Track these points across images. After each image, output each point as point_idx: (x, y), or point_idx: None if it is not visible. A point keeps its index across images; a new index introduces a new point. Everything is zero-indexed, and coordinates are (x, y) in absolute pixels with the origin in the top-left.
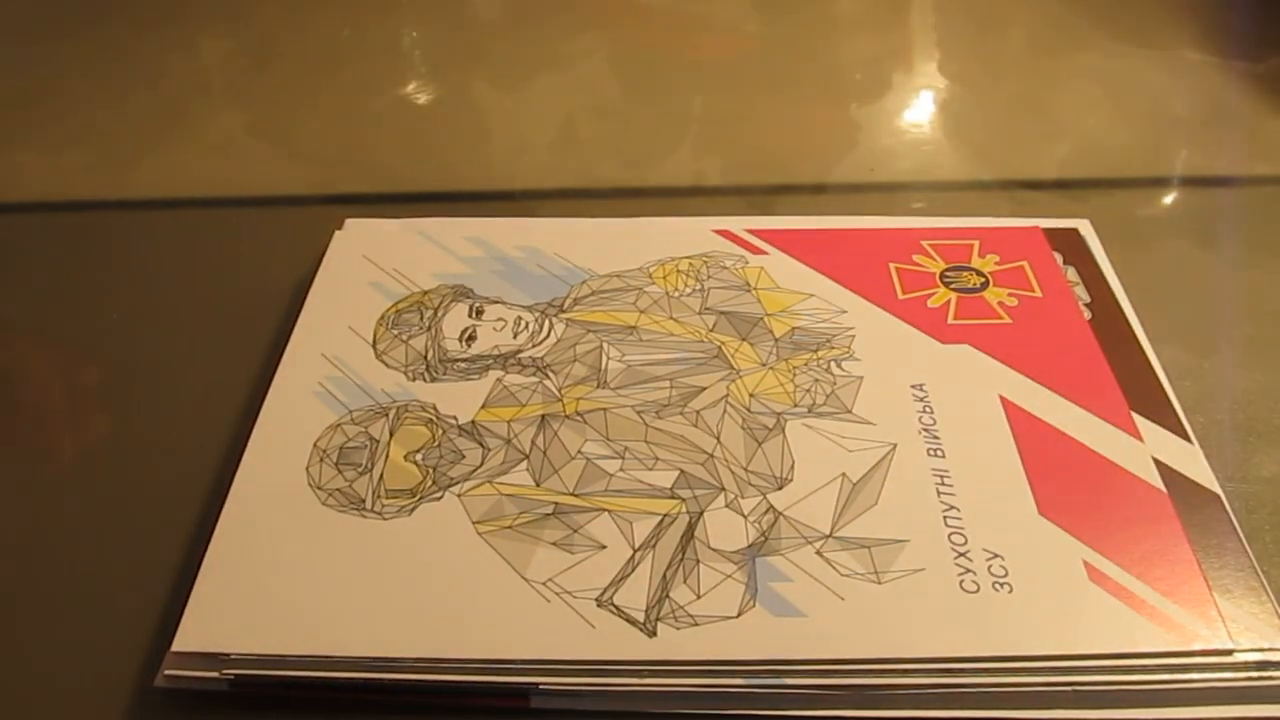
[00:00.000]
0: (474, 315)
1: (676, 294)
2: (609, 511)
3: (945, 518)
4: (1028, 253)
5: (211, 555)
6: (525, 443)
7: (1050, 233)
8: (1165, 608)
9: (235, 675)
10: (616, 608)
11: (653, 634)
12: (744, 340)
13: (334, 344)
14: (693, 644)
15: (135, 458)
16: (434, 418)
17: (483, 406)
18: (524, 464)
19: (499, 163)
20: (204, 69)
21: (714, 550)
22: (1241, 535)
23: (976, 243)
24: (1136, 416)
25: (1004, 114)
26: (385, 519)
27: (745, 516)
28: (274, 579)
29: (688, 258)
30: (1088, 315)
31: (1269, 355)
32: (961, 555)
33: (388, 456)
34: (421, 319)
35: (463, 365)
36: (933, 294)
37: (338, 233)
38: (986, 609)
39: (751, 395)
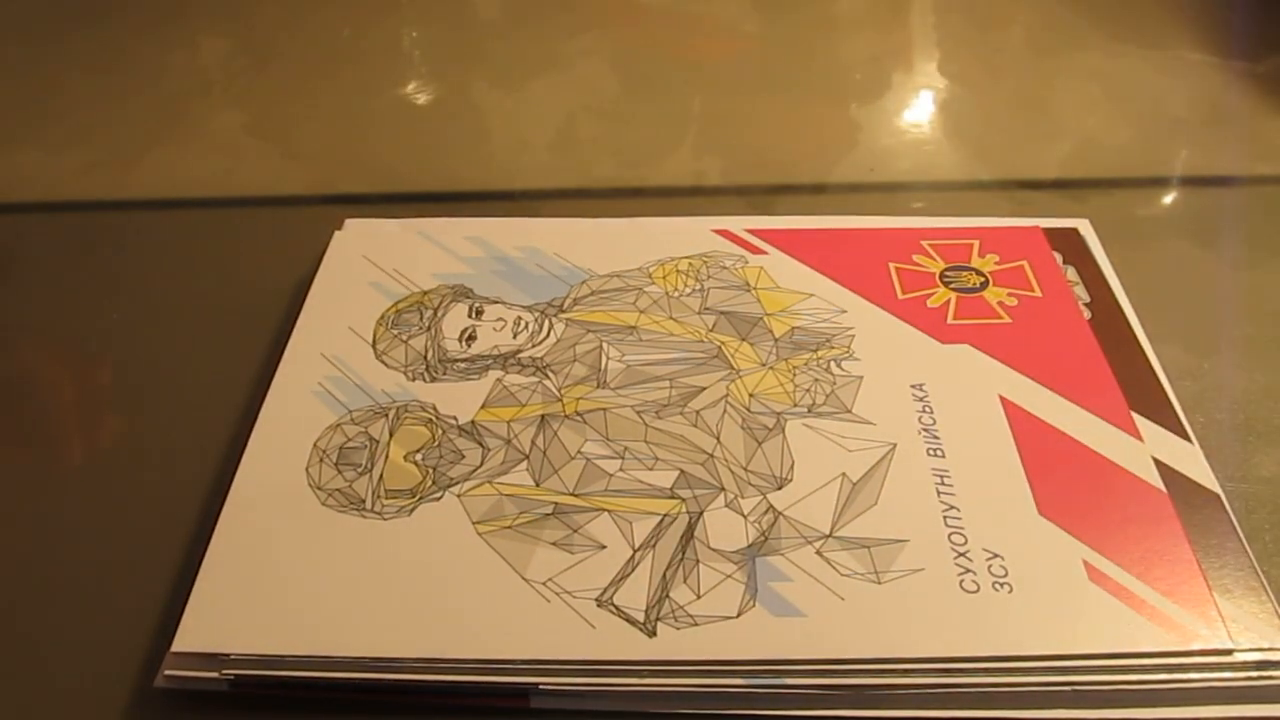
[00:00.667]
0: (474, 315)
1: (676, 294)
2: (609, 511)
3: (945, 517)
4: (1028, 252)
5: (211, 555)
6: (525, 443)
7: (1050, 232)
8: (1165, 607)
9: (235, 675)
10: (616, 608)
11: (653, 634)
12: (744, 340)
13: (334, 344)
14: (693, 644)
15: (135, 458)
16: (434, 418)
17: (482, 406)
18: (524, 464)
19: (499, 163)
20: (204, 69)
21: (714, 550)
22: (1241, 535)
23: (976, 243)
24: (1136, 416)
25: (1004, 114)
26: (385, 519)
27: (745, 516)
28: (274, 579)
29: (687, 258)
30: (1088, 315)
31: (1269, 355)
32: (961, 555)
33: (387, 457)
34: (421, 319)
35: (462, 365)
36: (932, 294)
37: (338, 233)
38: (986, 609)
39: (751, 395)
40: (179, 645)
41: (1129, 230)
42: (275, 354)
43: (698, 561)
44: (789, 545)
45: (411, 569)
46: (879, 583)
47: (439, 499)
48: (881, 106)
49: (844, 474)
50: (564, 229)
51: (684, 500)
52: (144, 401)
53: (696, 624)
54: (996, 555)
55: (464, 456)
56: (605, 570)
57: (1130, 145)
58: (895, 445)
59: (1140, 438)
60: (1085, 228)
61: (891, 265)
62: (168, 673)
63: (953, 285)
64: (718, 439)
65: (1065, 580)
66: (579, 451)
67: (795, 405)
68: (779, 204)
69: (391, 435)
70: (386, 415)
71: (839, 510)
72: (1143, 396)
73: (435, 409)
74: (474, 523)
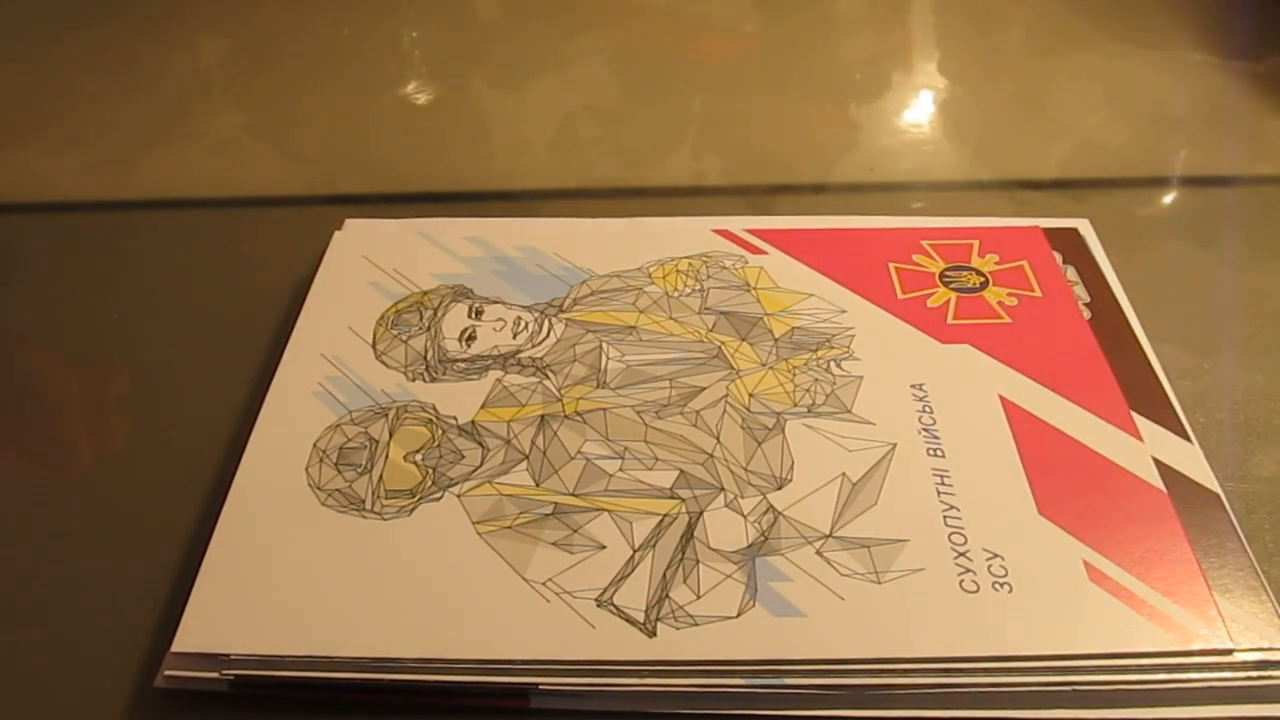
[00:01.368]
0: (473, 315)
1: (676, 294)
2: (609, 511)
3: (945, 517)
4: (1027, 252)
5: (211, 555)
6: (525, 443)
7: (1050, 232)
8: (1165, 607)
9: (235, 675)
10: (616, 608)
11: (652, 634)
12: (744, 340)
13: (334, 344)
14: (692, 644)
15: (135, 458)
16: (434, 418)
17: (482, 407)
18: (524, 464)
19: (499, 163)
20: (204, 68)
21: (714, 550)
22: (1241, 535)
23: (976, 242)
24: (1136, 416)
25: (1004, 114)
26: (385, 519)
27: (745, 516)
28: (274, 579)
29: (687, 258)
30: (1087, 315)
31: (1269, 355)
32: (961, 555)
33: (387, 457)
34: (421, 319)
35: (462, 365)
36: (932, 294)
37: (337, 233)
38: (986, 609)
39: (751, 395)
40: (179, 645)
41: (1129, 230)
42: (275, 354)
43: (698, 561)
44: (789, 545)
45: (411, 569)
46: (879, 583)
47: (439, 499)
48: (881, 106)
49: (844, 474)
50: (564, 229)
51: (684, 500)
52: (144, 402)
53: (696, 624)
54: (996, 555)
55: (464, 456)
56: (605, 570)
57: (1130, 145)
58: (895, 445)
59: (1140, 438)
60: (1085, 228)
61: (891, 265)
62: (168, 673)
63: (953, 285)
64: (718, 439)
65: (1065, 580)
66: (579, 451)
67: (795, 405)
68: (779, 204)
69: (391, 435)
70: (386, 415)
71: (839, 510)
72: (1143, 396)
73: (435, 409)
74: (474, 523)
